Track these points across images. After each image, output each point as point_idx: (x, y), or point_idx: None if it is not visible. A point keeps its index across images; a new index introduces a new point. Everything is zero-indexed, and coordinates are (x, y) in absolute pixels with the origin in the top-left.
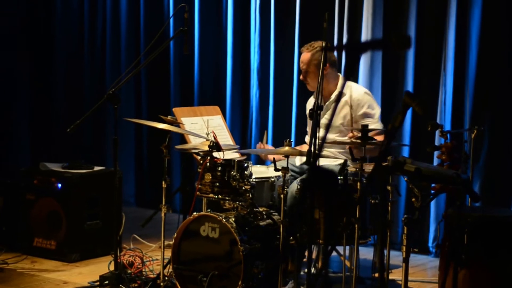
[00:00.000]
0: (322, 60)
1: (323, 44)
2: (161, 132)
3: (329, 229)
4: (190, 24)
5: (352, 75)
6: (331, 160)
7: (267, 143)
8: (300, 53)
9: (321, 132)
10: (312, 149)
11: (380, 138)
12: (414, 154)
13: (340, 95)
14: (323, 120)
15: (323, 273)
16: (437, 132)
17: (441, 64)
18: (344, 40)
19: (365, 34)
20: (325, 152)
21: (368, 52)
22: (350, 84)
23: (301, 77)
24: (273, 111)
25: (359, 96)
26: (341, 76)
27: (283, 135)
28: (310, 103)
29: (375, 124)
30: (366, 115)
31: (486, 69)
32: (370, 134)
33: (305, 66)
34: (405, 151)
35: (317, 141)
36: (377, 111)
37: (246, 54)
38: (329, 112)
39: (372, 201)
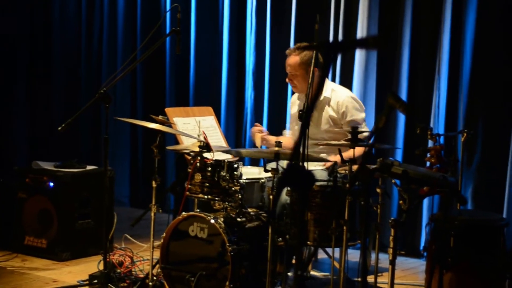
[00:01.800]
0: (313, 60)
1: (296, 50)
2: (155, 132)
3: (319, 233)
4: (186, 25)
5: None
6: (318, 164)
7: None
8: (286, 56)
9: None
10: (301, 151)
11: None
12: (408, 157)
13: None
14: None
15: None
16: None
17: (435, 67)
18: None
19: (361, 35)
20: (313, 154)
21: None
22: (333, 87)
23: (287, 79)
24: (268, 113)
25: (344, 102)
26: (327, 79)
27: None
28: (295, 102)
29: (364, 129)
30: (354, 122)
31: (480, 72)
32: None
33: (293, 70)
34: (399, 154)
35: (306, 142)
36: (362, 114)
37: (241, 55)
38: (317, 116)
39: (363, 203)
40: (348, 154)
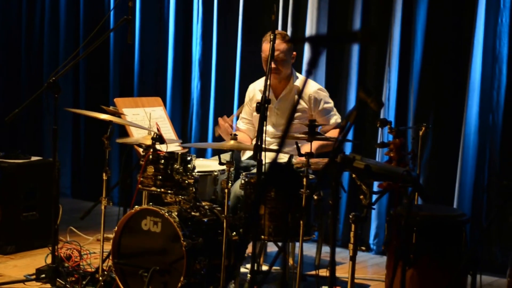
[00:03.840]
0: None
1: (271, 36)
2: (100, 122)
3: (274, 227)
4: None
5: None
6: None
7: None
8: (271, 41)
9: (270, 127)
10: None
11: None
12: (358, 150)
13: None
14: (274, 115)
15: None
16: (385, 129)
17: (385, 59)
18: (289, 33)
19: (310, 29)
20: (272, 146)
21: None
22: (301, 78)
23: (273, 65)
24: (215, 104)
25: (315, 94)
26: (294, 70)
27: None
28: (253, 92)
29: (337, 115)
30: (326, 111)
31: (431, 65)
32: (329, 128)
33: (283, 55)
34: (348, 147)
35: (263, 135)
36: (332, 103)
37: (187, 45)
38: (286, 108)
39: (316, 197)
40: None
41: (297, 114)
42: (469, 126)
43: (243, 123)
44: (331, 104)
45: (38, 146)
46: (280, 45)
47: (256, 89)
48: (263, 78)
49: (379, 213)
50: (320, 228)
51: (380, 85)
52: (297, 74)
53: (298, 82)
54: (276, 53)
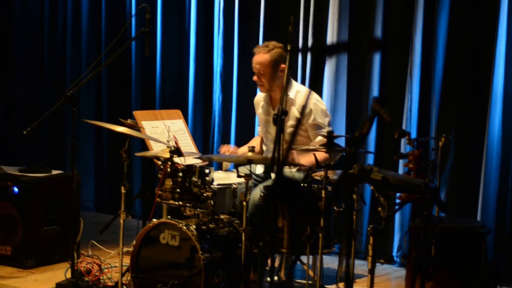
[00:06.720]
0: (287, 63)
1: (289, 47)
2: (121, 135)
3: (293, 239)
4: (152, 26)
5: (319, 80)
6: (293, 167)
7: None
8: (253, 54)
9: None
10: (277, 156)
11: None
12: (379, 162)
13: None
14: (272, 128)
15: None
16: (404, 140)
17: (407, 69)
18: (309, 43)
19: (331, 38)
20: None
21: (334, 56)
22: (298, 88)
23: (255, 78)
24: (236, 116)
25: (312, 105)
26: (293, 80)
27: (246, 140)
28: (259, 103)
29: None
30: (317, 127)
31: (453, 75)
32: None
33: (262, 68)
34: (370, 159)
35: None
36: (327, 119)
37: (209, 57)
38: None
39: (337, 209)
40: (310, 158)
41: (290, 126)
42: (492, 136)
43: (259, 130)
44: (325, 120)
45: (60, 159)
46: (261, 57)
47: (259, 98)
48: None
49: (402, 225)
50: (341, 240)
51: (402, 96)
52: (296, 85)
53: (293, 94)
54: (256, 66)
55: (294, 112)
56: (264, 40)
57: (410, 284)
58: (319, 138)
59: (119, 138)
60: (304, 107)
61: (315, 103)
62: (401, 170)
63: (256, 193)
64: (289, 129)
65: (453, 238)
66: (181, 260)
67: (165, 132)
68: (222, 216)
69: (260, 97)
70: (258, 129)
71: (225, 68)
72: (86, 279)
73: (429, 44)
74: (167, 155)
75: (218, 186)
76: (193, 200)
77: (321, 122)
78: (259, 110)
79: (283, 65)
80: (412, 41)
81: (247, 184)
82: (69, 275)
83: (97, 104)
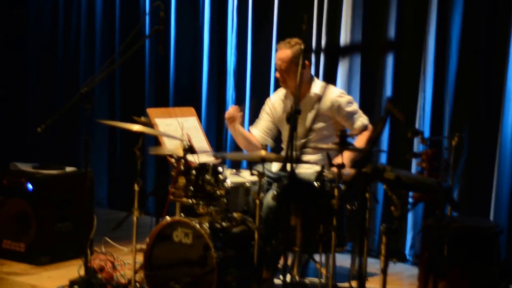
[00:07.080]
0: (300, 61)
1: (302, 47)
2: (134, 132)
3: (306, 237)
4: (166, 24)
5: (332, 78)
6: (306, 166)
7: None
8: (276, 50)
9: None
10: (289, 154)
11: (367, 132)
12: (392, 161)
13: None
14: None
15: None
16: (417, 139)
17: (420, 68)
18: (323, 42)
19: (344, 37)
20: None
21: (347, 56)
22: (322, 84)
23: (277, 74)
24: (249, 114)
25: (336, 99)
26: (315, 77)
27: None
28: (276, 102)
29: (362, 117)
30: (350, 115)
31: (466, 74)
32: (355, 132)
33: (284, 64)
34: (383, 158)
35: (294, 146)
36: (355, 106)
37: (222, 55)
38: (308, 116)
39: (350, 208)
40: (362, 142)
41: (320, 124)
42: (505, 134)
43: (257, 129)
44: (354, 106)
45: (74, 156)
46: (283, 53)
47: (278, 97)
48: (280, 89)
49: (415, 224)
50: (354, 239)
51: (415, 95)
52: (318, 81)
53: (318, 90)
54: (278, 62)
55: (320, 108)
56: (278, 37)
57: (423, 283)
58: (358, 123)
59: (133, 135)
60: (331, 102)
61: (339, 97)
62: (414, 169)
63: (270, 194)
64: (311, 126)
65: (465, 237)
66: (194, 258)
67: (178, 129)
68: (235, 214)
69: (278, 98)
70: (250, 128)
71: (239, 66)
72: (99, 276)
73: (442, 43)
74: (181, 153)
75: (231, 184)
76: (206, 198)
77: (352, 109)
78: (278, 110)
79: (306, 62)
80: (425, 40)
81: (260, 182)
82: (82, 272)
83: (110, 102)
